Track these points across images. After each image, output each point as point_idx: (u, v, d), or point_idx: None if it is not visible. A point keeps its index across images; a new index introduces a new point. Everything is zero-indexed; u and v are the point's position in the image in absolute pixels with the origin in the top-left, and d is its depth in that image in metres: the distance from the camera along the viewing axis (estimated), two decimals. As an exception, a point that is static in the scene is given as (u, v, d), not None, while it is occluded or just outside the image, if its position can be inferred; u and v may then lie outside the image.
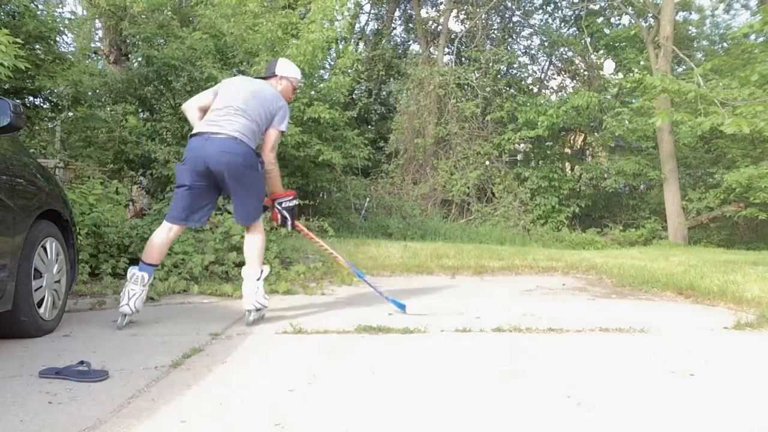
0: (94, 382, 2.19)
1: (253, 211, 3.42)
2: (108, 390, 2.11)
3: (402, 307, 3.65)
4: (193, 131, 3.35)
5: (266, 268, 3.50)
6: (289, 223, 3.64)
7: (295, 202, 3.67)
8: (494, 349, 2.75)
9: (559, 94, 16.28)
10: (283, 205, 3.61)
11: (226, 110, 3.33)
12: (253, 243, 3.45)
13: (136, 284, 3.21)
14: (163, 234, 3.31)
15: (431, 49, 15.73)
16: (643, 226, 12.95)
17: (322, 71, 9.62)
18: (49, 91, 6.83)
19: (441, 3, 16.94)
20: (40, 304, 2.93)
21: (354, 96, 13.29)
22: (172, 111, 7.67)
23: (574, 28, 16.16)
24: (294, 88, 3.72)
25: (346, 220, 9.99)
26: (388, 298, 3.74)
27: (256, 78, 3.69)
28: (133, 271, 3.25)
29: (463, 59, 15.10)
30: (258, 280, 3.39)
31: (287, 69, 3.65)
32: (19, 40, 4.57)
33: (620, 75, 14.86)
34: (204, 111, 3.42)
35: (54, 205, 3.13)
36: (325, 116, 7.79)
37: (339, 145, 8.81)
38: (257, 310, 3.35)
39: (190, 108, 3.47)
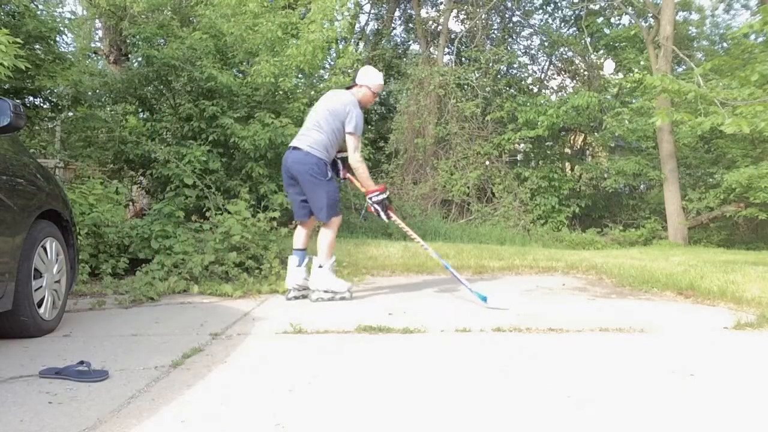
0: (94, 382, 2.19)
1: (322, 211, 3.98)
2: (108, 390, 2.11)
3: (484, 299, 3.81)
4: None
5: (332, 259, 4.06)
6: (383, 215, 4.12)
7: (383, 195, 4.12)
8: (494, 349, 2.75)
9: (559, 94, 16.28)
10: (374, 199, 4.10)
11: (307, 126, 4.06)
12: (323, 237, 4.06)
13: (291, 266, 4.08)
14: (298, 229, 4.19)
15: (431, 49, 15.73)
16: (643, 226, 12.95)
17: (322, 71, 9.61)
18: (49, 91, 6.82)
19: (441, 3, 16.94)
20: (40, 304, 2.93)
21: (354, 96, 13.25)
22: (172, 111, 7.66)
23: (574, 28, 16.16)
24: (373, 93, 4.17)
25: (346, 220, 9.97)
26: (472, 290, 3.93)
27: (345, 88, 4.22)
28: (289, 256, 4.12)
29: (463, 59, 15.09)
30: (320, 267, 4.00)
31: (365, 77, 4.14)
32: (19, 40, 4.57)
33: (620, 75, 14.86)
34: None
35: (54, 205, 3.13)
36: (325, 116, 7.77)
37: (339, 145, 8.79)
38: (324, 291, 3.99)
39: None
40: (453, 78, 13.50)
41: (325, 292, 4.00)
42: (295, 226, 4.25)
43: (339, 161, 4.18)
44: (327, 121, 3.96)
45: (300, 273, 4.10)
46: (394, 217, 4.16)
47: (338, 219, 4.10)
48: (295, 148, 3.99)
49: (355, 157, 3.98)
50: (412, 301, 4.04)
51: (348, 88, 4.20)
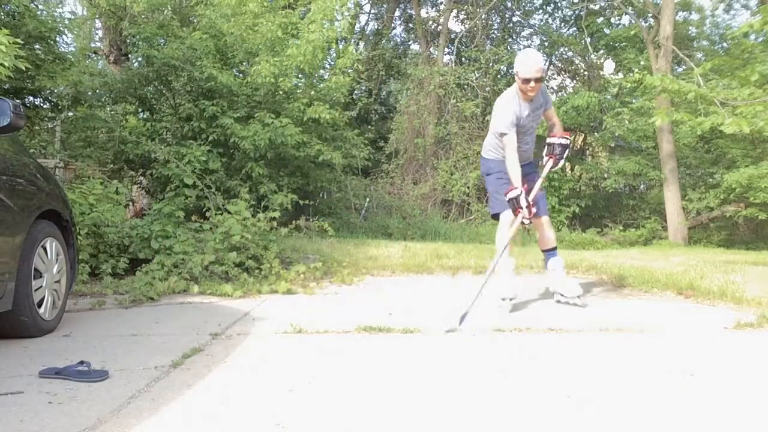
0: (94, 382, 2.19)
1: (492, 205, 4.01)
2: (108, 390, 2.11)
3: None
4: None
5: (502, 260, 3.71)
6: (517, 215, 3.65)
7: (512, 194, 3.63)
8: (494, 349, 2.75)
9: (559, 94, 16.29)
10: (507, 197, 3.69)
11: None
12: (496, 237, 3.95)
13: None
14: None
15: (431, 49, 15.73)
16: (643, 226, 12.94)
17: (322, 71, 9.62)
18: (49, 91, 6.83)
19: (441, 3, 16.94)
20: (40, 304, 2.93)
21: (354, 96, 13.30)
22: (172, 111, 7.66)
23: (574, 28, 16.17)
24: (523, 79, 3.64)
25: (346, 220, 9.98)
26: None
27: None
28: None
29: (463, 59, 15.10)
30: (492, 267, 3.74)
31: (515, 65, 3.74)
32: (19, 40, 4.57)
33: (620, 75, 14.86)
34: None
35: (54, 205, 3.13)
36: (325, 116, 7.79)
37: (339, 145, 8.81)
38: (502, 299, 3.71)
39: None
40: (453, 78, 13.51)
41: (503, 300, 3.73)
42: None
43: (552, 145, 3.86)
44: (491, 124, 3.98)
45: (551, 275, 3.96)
46: (527, 215, 3.62)
47: (505, 216, 3.79)
48: None
49: (505, 153, 3.75)
50: (412, 301, 4.04)
51: None
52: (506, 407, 1.97)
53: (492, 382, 2.24)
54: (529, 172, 3.89)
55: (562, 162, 3.91)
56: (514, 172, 3.67)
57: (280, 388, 2.14)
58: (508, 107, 3.71)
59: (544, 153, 3.90)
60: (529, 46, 17.52)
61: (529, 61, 3.69)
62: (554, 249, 4.01)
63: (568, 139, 3.90)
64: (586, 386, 2.19)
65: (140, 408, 1.93)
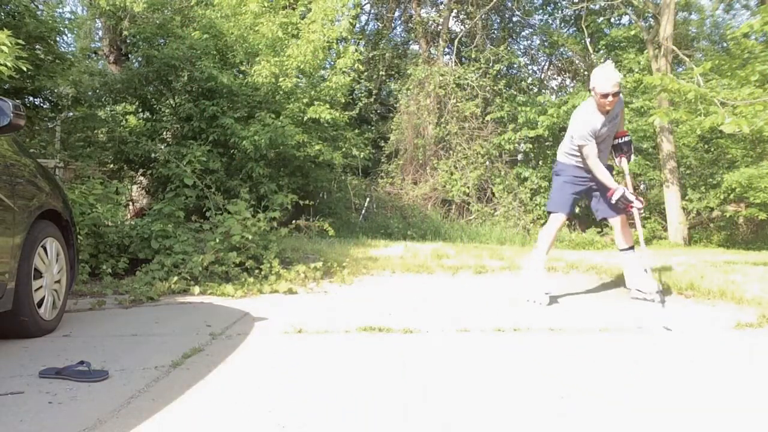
0: (94, 382, 2.19)
1: (550, 203, 4.33)
2: (108, 390, 2.11)
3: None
4: None
5: (539, 256, 4.17)
6: (630, 210, 4.10)
7: (617, 195, 3.99)
8: (494, 349, 2.75)
9: (559, 94, 16.29)
10: (613, 199, 4.03)
11: None
12: (540, 234, 4.29)
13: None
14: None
15: (431, 49, 15.73)
16: (643, 226, 12.95)
17: (322, 71, 9.62)
18: (49, 91, 6.83)
19: (441, 3, 16.93)
20: (40, 304, 2.93)
21: (354, 96, 13.31)
22: (172, 111, 7.67)
23: (574, 28, 16.17)
24: (602, 95, 3.82)
25: (346, 220, 9.99)
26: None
27: None
28: None
29: (463, 59, 15.10)
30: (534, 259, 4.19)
31: (591, 80, 3.91)
32: (20, 41, 4.57)
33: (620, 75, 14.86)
34: None
35: (54, 205, 3.13)
36: (325, 116, 7.79)
37: (339, 145, 8.81)
38: (532, 299, 3.97)
39: None
40: (453, 78, 13.50)
41: (533, 301, 3.99)
42: None
43: (619, 145, 4.20)
44: (567, 130, 4.24)
45: (629, 274, 4.21)
46: (633, 211, 4.10)
47: (556, 217, 4.19)
48: None
49: (588, 164, 4.00)
50: (412, 301, 4.04)
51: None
52: (506, 408, 1.97)
53: (491, 383, 2.24)
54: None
55: (632, 157, 4.27)
56: (604, 175, 3.95)
57: (280, 388, 2.14)
58: (587, 120, 3.90)
59: (614, 155, 4.24)
60: (529, 46, 17.55)
61: (607, 76, 3.82)
62: (632, 247, 4.36)
63: (628, 135, 4.25)
64: (586, 387, 2.19)
65: (140, 408, 1.93)
